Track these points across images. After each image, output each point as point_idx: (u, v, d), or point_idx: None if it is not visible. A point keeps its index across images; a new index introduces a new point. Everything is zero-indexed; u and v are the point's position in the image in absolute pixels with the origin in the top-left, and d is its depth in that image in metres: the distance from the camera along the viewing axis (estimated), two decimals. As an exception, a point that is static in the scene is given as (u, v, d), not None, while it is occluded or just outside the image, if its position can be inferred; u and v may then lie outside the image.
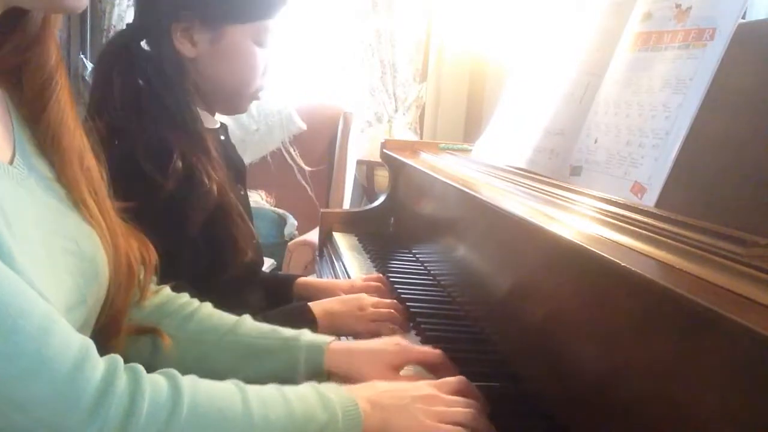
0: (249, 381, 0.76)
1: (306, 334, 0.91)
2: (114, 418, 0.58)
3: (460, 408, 0.76)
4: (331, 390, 0.73)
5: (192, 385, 0.64)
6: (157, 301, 0.92)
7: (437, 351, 0.91)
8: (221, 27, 1.14)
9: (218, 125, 1.25)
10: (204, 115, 1.19)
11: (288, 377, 0.86)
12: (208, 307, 0.94)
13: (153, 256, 0.83)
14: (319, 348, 0.89)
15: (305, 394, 0.71)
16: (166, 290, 0.94)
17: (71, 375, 0.57)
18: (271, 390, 0.70)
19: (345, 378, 0.87)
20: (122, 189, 0.86)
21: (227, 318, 0.93)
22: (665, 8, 0.95)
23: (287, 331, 0.91)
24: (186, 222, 1.05)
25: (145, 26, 1.16)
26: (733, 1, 0.85)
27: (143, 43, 1.16)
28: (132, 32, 1.17)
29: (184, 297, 0.95)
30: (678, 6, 0.93)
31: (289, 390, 0.71)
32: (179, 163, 1.03)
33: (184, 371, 0.67)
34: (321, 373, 0.88)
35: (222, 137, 1.25)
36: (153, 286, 0.91)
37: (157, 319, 0.90)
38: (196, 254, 1.07)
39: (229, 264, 1.12)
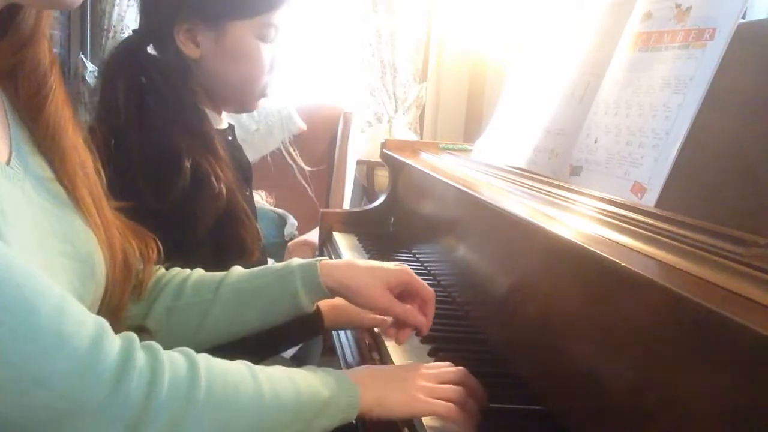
0: (255, 324, 0.87)
1: (295, 260, 0.93)
2: (136, 391, 0.59)
3: (450, 385, 0.80)
4: (329, 371, 0.76)
5: (206, 361, 0.66)
6: (153, 280, 0.93)
7: (431, 290, 0.95)
8: (223, 24, 1.14)
9: (226, 126, 1.25)
10: (212, 115, 1.19)
11: (291, 306, 0.90)
12: (199, 271, 0.96)
13: (153, 252, 0.84)
14: (313, 266, 0.91)
15: (307, 374, 0.74)
16: (160, 269, 0.96)
17: (90, 350, 0.58)
18: (276, 369, 0.72)
19: (344, 291, 0.90)
20: (130, 192, 0.87)
21: (218, 274, 0.95)
22: (665, 8, 0.95)
23: (276, 265, 0.93)
24: (195, 224, 1.05)
25: (150, 30, 1.16)
26: (733, 1, 0.85)
27: (150, 48, 1.17)
28: (138, 37, 1.17)
29: (176, 269, 0.97)
30: (678, 6, 0.93)
31: (292, 370, 0.74)
32: (187, 164, 1.03)
33: (184, 340, 0.69)
34: (321, 290, 0.90)
35: (229, 137, 1.25)
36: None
37: (154, 295, 0.92)
38: (204, 256, 1.07)
39: (235, 264, 1.12)
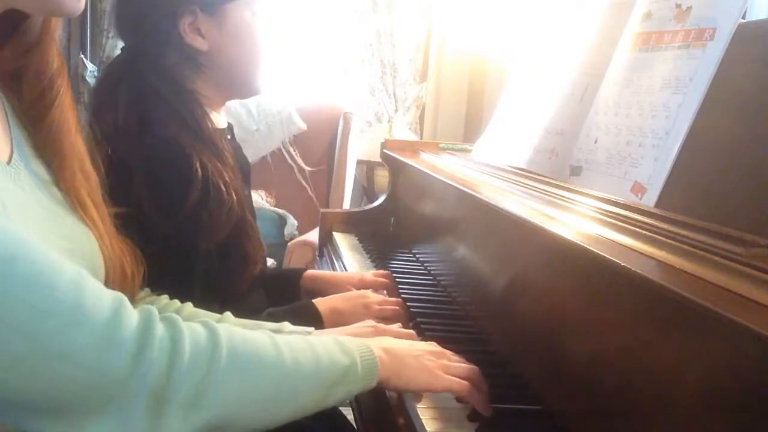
0: None
1: (287, 326, 0.94)
2: (158, 360, 0.59)
3: (464, 364, 0.83)
4: (348, 339, 0.77)
5: (227, 330, 0.66)
6: (141, 304, 0.92)
7: (410, 331, 0.97)
8: (222, 9, 1.15)
9: (225, 125, 1.25)
10: (212, 115, 1.19)
11: None
12: (189, 307, 0.96)
13: (141, 266, 0.84)
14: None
15: (326, 341, 0.74)
16: (147, 292, 0.95)
17: (110, 322, 0.58)
18: (296, 337, 0.73)
19: None
20: (132, 202, 0.86)
21: (210, 315, 0.95)
22: (665, 8, 0.95)
23: (269, 324, 0.94)
24: (205, 237, 1.04)
25: (144, 41, 1.15)
26: (733, 1, 0.85)
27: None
28: (129, 53, 1.17)
29: (165, 298, 0.96)
30: (678, 6, 0.93)
31: (313, 338, 0.75)
32: (199, 171, 1.03)
33: None
34: None
35: (229, 137, 1.25)
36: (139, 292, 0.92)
37: None
38: (208, 266, 1.07)
39: (238, 276, 1.12)
